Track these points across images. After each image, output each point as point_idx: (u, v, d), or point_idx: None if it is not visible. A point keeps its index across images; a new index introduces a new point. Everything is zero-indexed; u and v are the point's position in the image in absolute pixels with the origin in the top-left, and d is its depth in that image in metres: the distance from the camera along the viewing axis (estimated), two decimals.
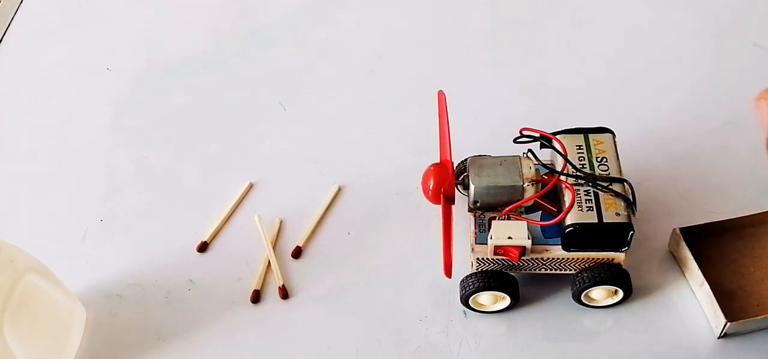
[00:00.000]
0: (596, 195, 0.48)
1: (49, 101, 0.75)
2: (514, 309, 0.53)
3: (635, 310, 0.52)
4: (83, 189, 0.66)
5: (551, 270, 0.51)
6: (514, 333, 0.52)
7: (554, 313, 0.53)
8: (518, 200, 0.49)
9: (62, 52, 0.81)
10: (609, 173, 0.49)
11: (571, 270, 0.51)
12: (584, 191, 0.48)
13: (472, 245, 0.50)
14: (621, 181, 0.48)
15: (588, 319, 0.52)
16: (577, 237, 0.48)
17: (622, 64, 0.71)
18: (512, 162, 0.49)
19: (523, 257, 0.49)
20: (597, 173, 0.49)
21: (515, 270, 0.51)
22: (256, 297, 0.55)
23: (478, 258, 0.50)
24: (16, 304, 0.47)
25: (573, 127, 0.52)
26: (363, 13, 0.80)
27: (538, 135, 0.51)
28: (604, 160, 0.50)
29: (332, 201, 0.61)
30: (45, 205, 0.65)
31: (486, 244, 0.49)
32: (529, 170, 0.49)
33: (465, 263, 0.52)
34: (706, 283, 0.50)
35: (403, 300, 0.54)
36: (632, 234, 0.47)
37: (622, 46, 0.73)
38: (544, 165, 0.52)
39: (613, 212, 0.47)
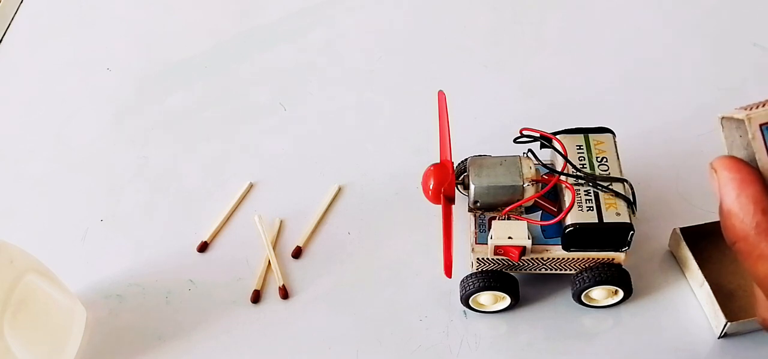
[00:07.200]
0: (596, 195, 0.48)
1: (49, 101, 0.75)
2: (514, 309, 0.53)
3: (635, 310, 0.52)
4: (83, 189, 0.66)
5: (551, 269, 0.51)
6: (514, 333, 0.52)
7: (554, 313, 0.53)
8: (518, 200, 0.49)
9: (62, 52, 0.81)
10: (609, 173, 0.49)
11: (571, 269, 0.51)
12: (584, 191, 0.48)
13: (472, 245, 0.50)
14: (621, 181, 0.48)
15: (588, 319, 0.52)
16: (577, 237, 0.47)
17: (622, 64, 0.70)
18: (512, 162, 0.49)
19: (523, 257, 0.49)
20: (597, 173, 0.49)
21: (515, 269, 0.51)
22: (256, 297, 0.55)
23: (478, 258, 0.50)
24: (16, 304, 0.47)
25: (573, 127, 0.52)
26: (363, 13, 0.80)
27: (538, 135, 0.51)
28: (604, 160, 0.50)
29: (332, 201, 0.61)
30: (45, 205, 0.65)
31: (486, 244, 0.49)
32: (529, 170, 0.49)
33: (465, 263, 0.52)
34: (706, 283, 0.50)
35: (403, 300, 0.54)
36: (632, 234, 0.47)
37: (622, 46, 0.73)
38: (544, 165, 0.52)
39: (613, 212, 0.47)
